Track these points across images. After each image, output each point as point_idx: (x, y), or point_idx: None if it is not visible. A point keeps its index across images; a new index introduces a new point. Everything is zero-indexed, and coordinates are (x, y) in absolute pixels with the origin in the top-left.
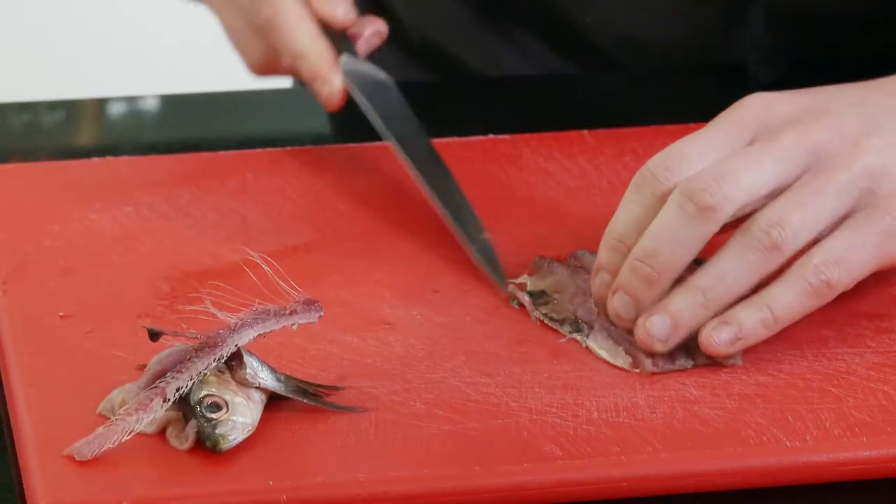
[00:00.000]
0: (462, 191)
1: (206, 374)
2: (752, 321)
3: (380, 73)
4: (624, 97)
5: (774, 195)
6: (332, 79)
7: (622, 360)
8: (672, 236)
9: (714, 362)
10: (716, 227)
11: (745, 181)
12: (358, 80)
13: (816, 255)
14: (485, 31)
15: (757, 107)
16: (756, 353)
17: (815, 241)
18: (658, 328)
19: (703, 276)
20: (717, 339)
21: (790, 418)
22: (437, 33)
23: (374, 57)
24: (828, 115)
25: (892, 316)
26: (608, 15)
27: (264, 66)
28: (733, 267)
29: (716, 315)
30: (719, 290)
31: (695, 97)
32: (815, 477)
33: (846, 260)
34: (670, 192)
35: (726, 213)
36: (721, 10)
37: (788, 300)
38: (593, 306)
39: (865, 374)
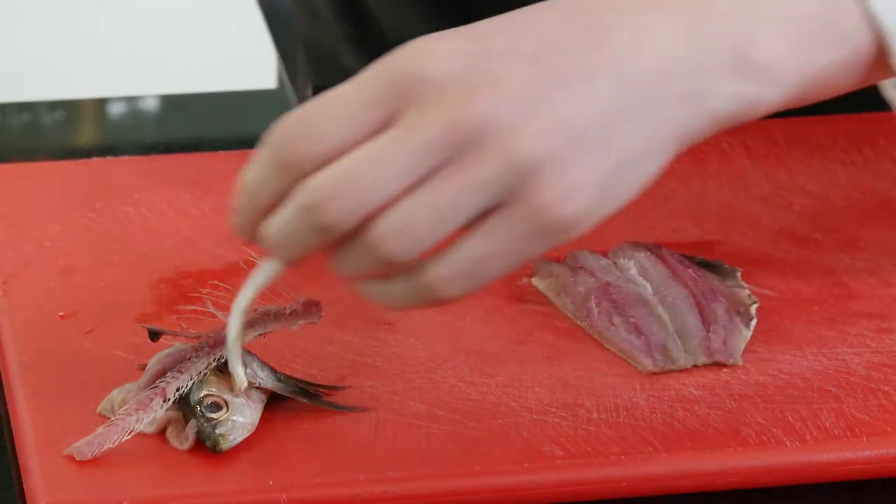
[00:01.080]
0: None
1: (206, 374)
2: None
3: None
4: None
5: (411, 190)
6: None
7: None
8: (287, 241)
9: (714, 362)
10: (335, 236)
11: (370, 191)
12: None
13: (441, 266)
14: None
15: (408, 65)
16: (756, 353)
17: None
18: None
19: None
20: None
21: (790, 418)
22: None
23: (353, 58)
24: (490, 86)
25: (892, 316)
26: None
27: None
28: (348, 267)
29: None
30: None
31: None
32: (815, 477)
33: (474, 273)
34: (292, 167)
35: (348, 225)
36: None
37: (399, 303)
38: (594, 307)
39: (865, 374)
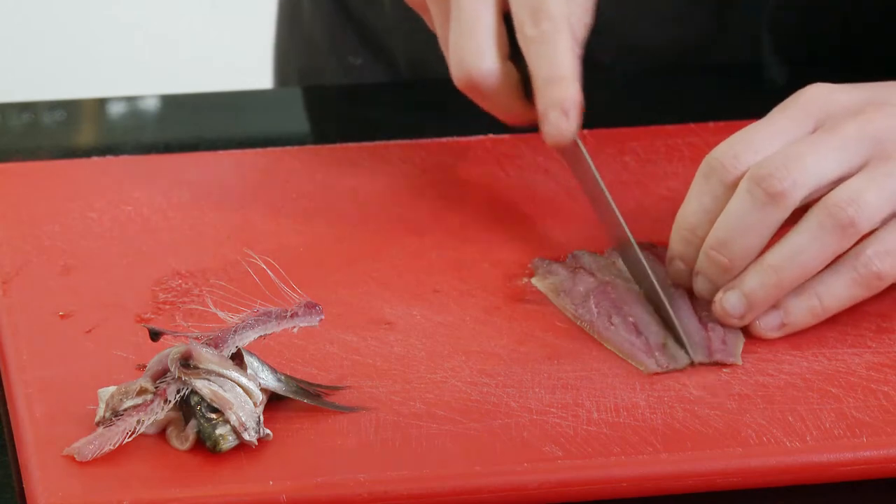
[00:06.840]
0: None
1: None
2: (800, 309)
3: None
4: (623, 97)
5: (840, 182)
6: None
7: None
8: (743, 224)
9: (714, 362)
10: (786, 213)
11: (813, 166)
12: None
13: (870, 246)
14: None
15: (818, 96)
16: (756, 353)
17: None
18: (733, 306)
19: (775, 255)
20: (763, 323)
21: (790, 418)
22: (424, 50)
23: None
24: (888, 105)
25: (892, 316)
26: (601, 22)
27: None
28: (807, 245)
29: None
30: (793, 270)
31: (694, 97)
32: (815, 477)
33: None
34: (738, 180)
35: (795, 199)
36: (716, 11)
37: (838, 290)
38: (593, 307)
39: (865, 375)
